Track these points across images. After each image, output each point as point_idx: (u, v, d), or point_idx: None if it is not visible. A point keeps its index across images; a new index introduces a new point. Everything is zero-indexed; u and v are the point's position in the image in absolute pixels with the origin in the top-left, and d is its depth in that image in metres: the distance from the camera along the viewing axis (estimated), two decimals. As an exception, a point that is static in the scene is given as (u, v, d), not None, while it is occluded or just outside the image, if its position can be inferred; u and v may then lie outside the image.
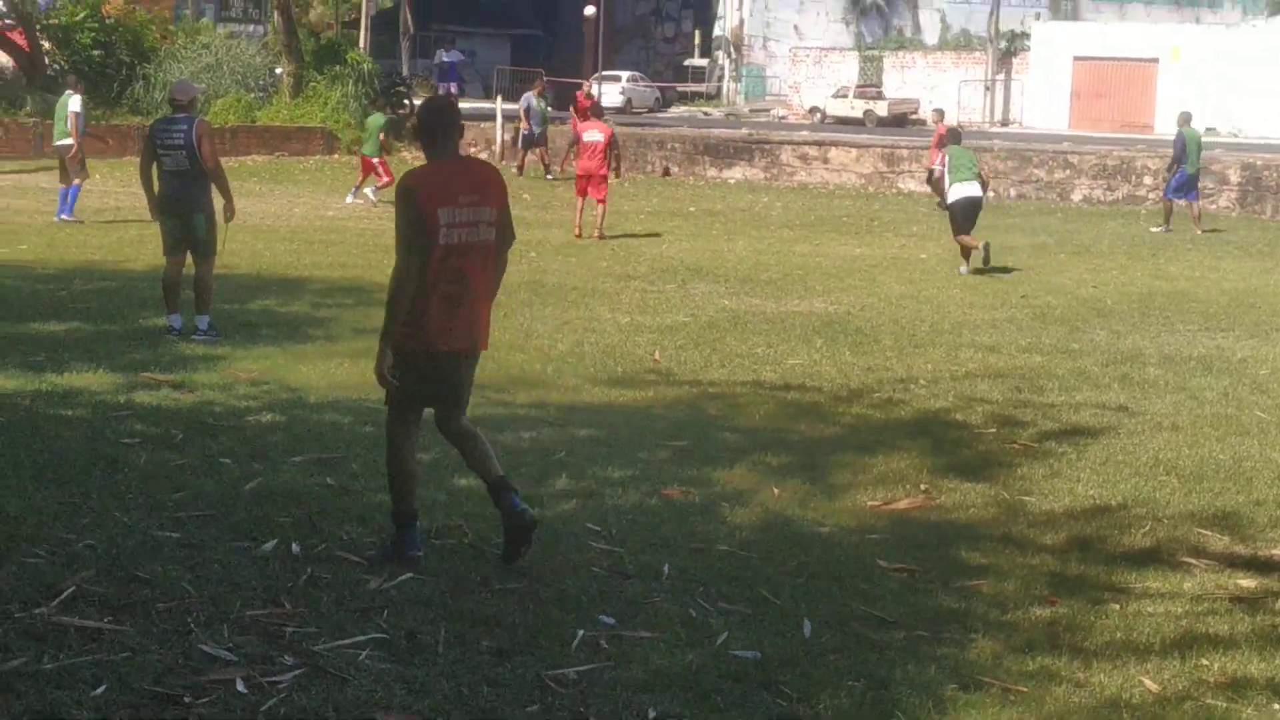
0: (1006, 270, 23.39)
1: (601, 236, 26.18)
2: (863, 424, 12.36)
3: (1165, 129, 61.80)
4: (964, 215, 23.13)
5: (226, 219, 15.19)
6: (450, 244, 7.93)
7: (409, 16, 59.64)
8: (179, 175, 14.95)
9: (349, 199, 32.38)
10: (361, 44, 52.73)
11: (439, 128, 8.14)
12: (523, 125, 42.04)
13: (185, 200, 14.99)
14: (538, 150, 41.68)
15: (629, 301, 18.89)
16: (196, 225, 15.10)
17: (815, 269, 23.25)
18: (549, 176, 40.24)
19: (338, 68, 48.70)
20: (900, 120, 66.06)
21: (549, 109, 43.19)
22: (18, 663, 6.48)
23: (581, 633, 7.19)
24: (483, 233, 8.12)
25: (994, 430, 12.25)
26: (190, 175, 14.91)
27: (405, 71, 56.94)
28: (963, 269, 23.00)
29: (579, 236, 26.25)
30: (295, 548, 8.26)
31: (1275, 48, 63.97)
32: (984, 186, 23.55)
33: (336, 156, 45.40)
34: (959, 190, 22.95)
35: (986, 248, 22.90)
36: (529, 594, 7.73)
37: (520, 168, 41.36)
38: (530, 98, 41.86)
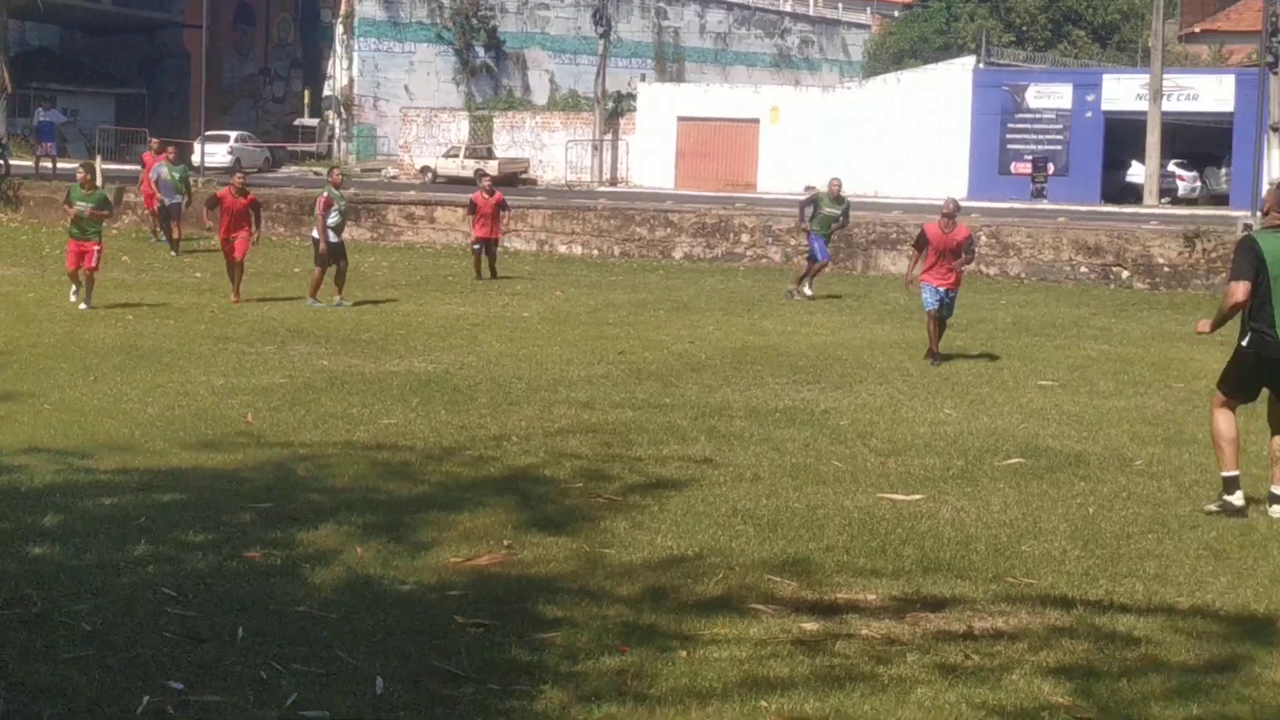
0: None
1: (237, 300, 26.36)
2: (452, 481, 12.45)
3: (767, 187, 63.74)
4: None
5: None
6: None
7: (6, 74, 57.95)
8: None
9: None
10: (-45, 102, 51.10)
11: None
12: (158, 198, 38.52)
13: None
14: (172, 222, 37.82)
15: (225, 364, 18.69)
16: None
17: (418, 328, 23.32)
18: (173, 253, 36.66)
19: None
20: (511, 179, 66.55)
21: (188, 174, 40.33)
22: None
23: (147, 698, 7.10)
24: None
25: (581, 485, 12.45)
26: None
27: (2, 131, 55.33)
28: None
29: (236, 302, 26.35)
30: None
31: (869, 109, 66.35)
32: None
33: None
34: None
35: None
36: (96, 662, 7.60)
37: (174, 243, 37.34)
38: (160, 168, 38.23)
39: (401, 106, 79.14)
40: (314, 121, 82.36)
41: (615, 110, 73.15)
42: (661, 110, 71.31)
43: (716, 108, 70.56)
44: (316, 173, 70.26)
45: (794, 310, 27.77)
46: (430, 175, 68.90)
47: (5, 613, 8.33)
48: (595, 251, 40.39)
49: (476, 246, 33.19)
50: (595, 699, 7.37)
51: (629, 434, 14.79)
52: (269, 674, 7.58)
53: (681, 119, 70.65)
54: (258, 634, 8.22)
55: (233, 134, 73.95)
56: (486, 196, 33.21)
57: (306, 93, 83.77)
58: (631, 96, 73.95)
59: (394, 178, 70.58)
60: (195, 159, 62.26)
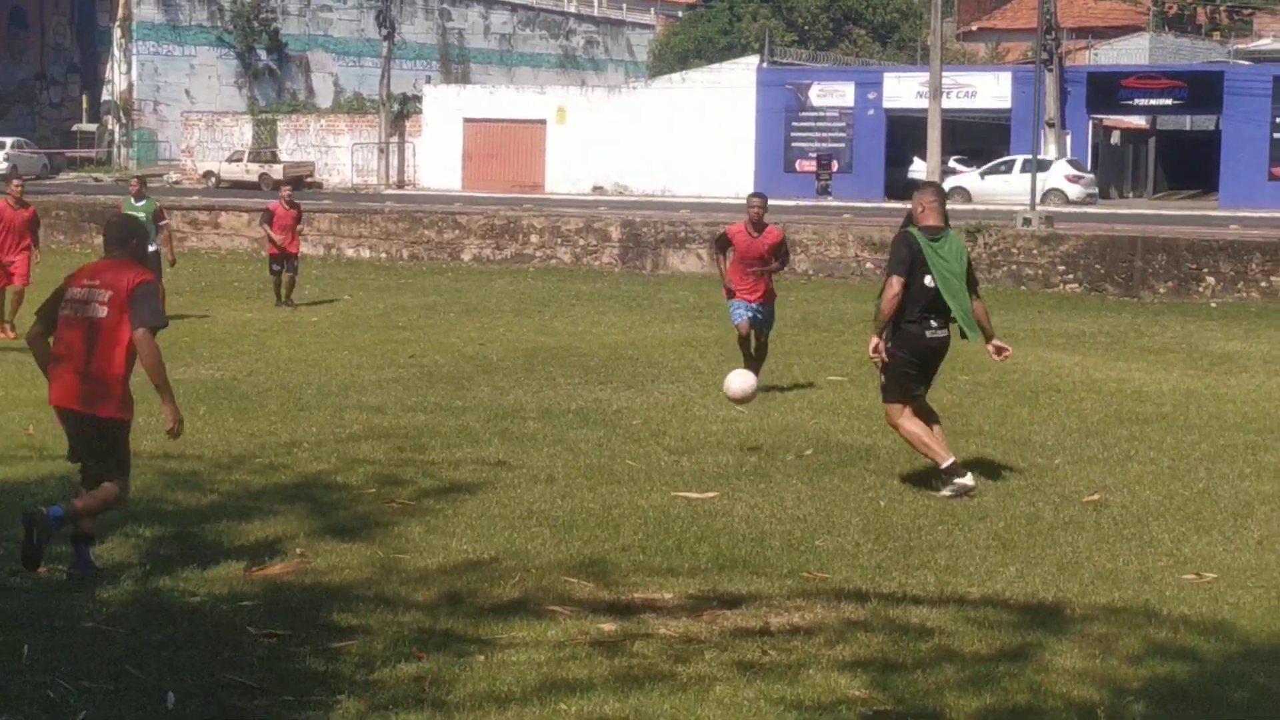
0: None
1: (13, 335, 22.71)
2: (242, 490, 12.26)
3: (554, 188, 63.81)
4: None
5: None
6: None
7: None
8: None
9: None
10: None
11: None
12: None
13: None
14: None
15: (3, 375, 18.25)
16: None
17: (204, 335, 22.98)
18: None
19: None
20: (297, 183, 65.81)
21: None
22: None
23: (-73, 723, 6.90)
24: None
25: (374, 490, 12.34)
26: None
27: None
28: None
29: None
30: None
31: (655, 109, 66.71)
32: None
33: None
34: None
35: None
36: (-127, 686, 7.37)
37: None
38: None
39: (183, 111, 78.17)
40: (93, 127, 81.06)
41: (401, 112, 72.88)
42: (447, 112, 71.18)
43: (503, 109, 70.61)
44: (96, 179, 69.22)
45: (584, 310, 27.79)
46: (214, 180, 68.06)
47: None
48: (383, 255, 40.13)
49: (276, 268, 28.78)
50: (392, 707, 7.29)
51: (422, 438, 14.68)
52: (56, 693, 7.39)
53: (468, 120, 70.60)
54: (44, 651, 8.01)
55: (8, 140, 72.61)
56: (286, 208, 28.86)
57: (85, 97, 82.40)
58: (417, 99, 73.74)
59: (176, 183, 69.68)
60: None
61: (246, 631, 8.48)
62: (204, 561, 9.95)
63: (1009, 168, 59.64)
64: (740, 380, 14.68)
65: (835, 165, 64.27)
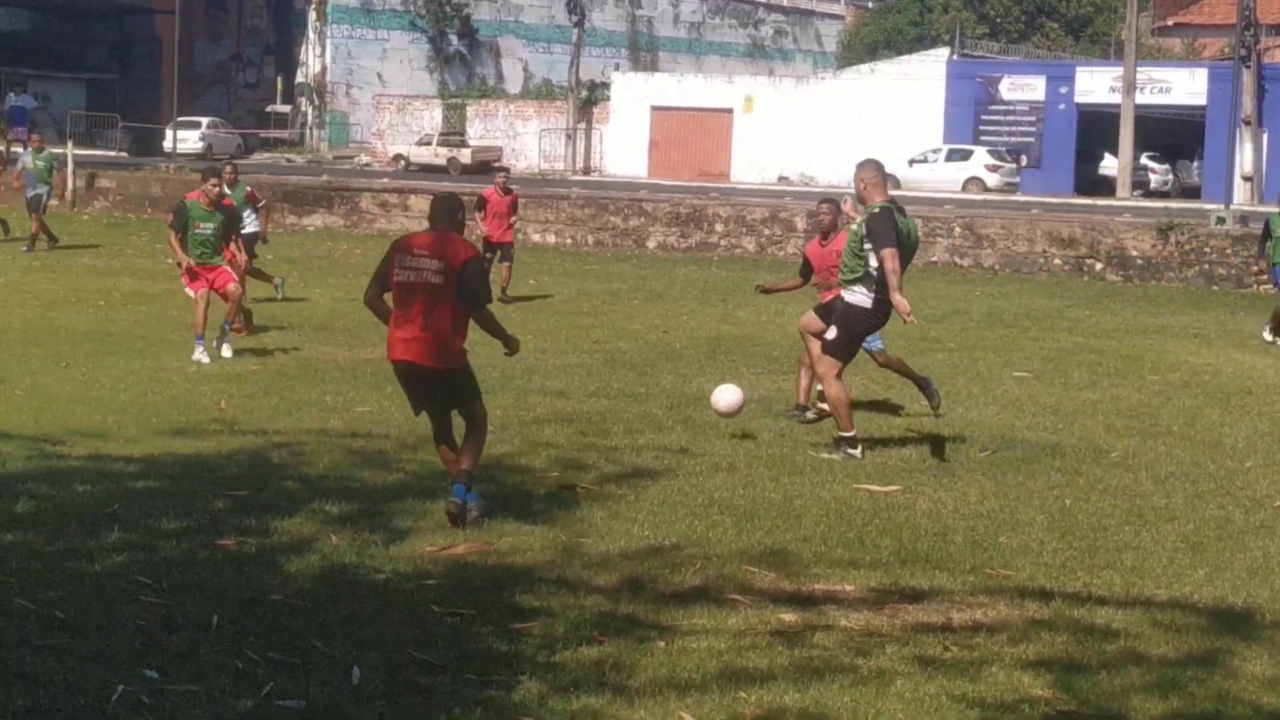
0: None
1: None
2: (427, 470, 12.35)
3: (740, 178, 63.74)
4: None
5: None
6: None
7: (-24, 59, 57.80)
8: None
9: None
10: (-75, 87, 50.89)
11: None
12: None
13: None
14: (35, 215, 33.60)
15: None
16: None
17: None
18: (26, 250, 32.80)
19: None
20: (484, 168, 66.43)
21: (53, 166, 34.88)
22: None
23: (122, 687, 7.03)
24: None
25: (557, 474, 12.40)
26: None
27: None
28: None
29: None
30: None
31: (842, 100, 66.40)
32: None
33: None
34: None
35: None
36: (70, 650, 7.53)
37: (34, 238, 33.36)
38: (26, 156, 34.29)
39: (374, 94, 79.01)
40: (286, 108, 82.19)
41: (589, 99, 73.16)
42: (635, 100, 71.34)
43: (690, 97, 70.59)
44: (288, 159, 70.23)
45: (768, 301, 27.64)
46: (403, 163, 68.75)
47: (-23, 601, 8.27)
48: (569, 240, 40.33)
49: (489, 255, 26.13)
50: (573, 689, 7.32)
51: (604, 423, 14.73)
52: (244, 663, 7.52)
53: (655, 108, 70.70)
54: (233, 623, 8.15)
55: (204, 120, 73.78)
56: (501, 194, 27.33)
57: (279, 79, 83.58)
58: (605, 86, 73.98)
59: (366, 165, 70.46)
60: (166, 145, 62.16)
61: (430, 610, 8.56)
62: (389, 539, 10.08)
63: (936, 157, 62.90)
64: (729, 395, 14.42)
65: (1024, 160, 63.57)
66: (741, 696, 7.33)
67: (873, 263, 13.28)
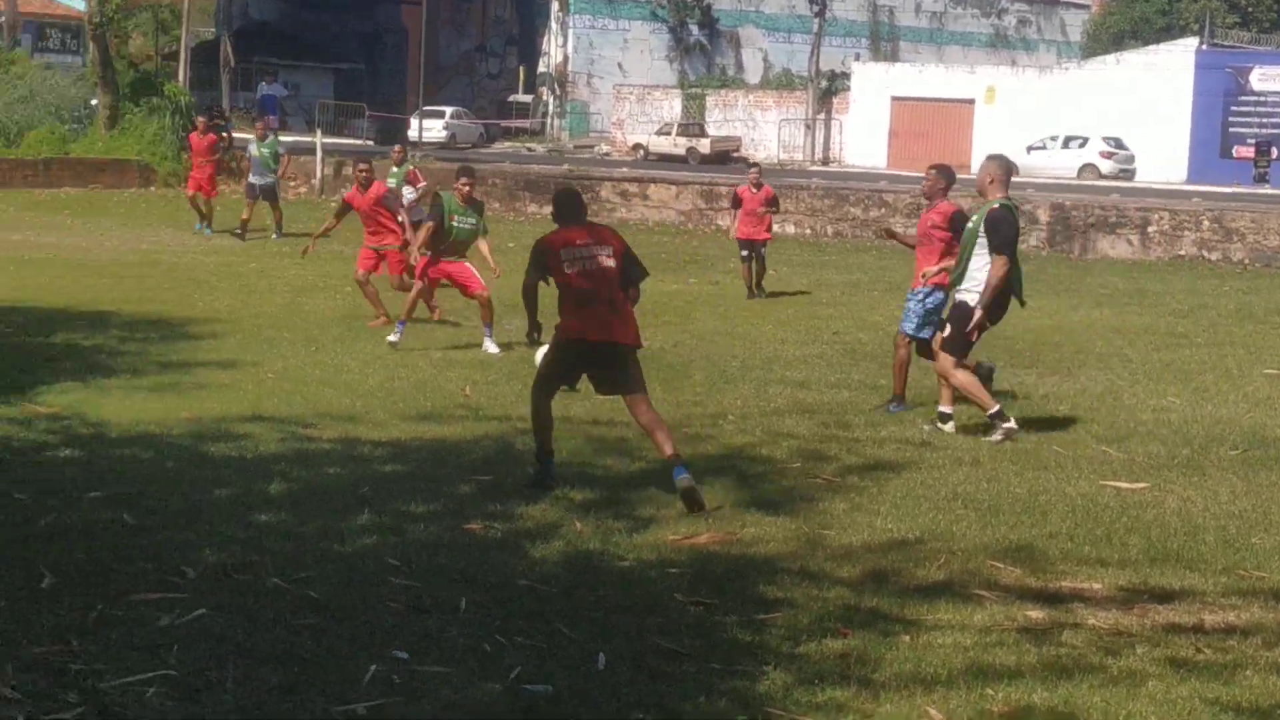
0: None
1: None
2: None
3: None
4: None
5: None
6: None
7: (230, 49, 59.16)
8: None
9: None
10: (181, 76, 52.21)
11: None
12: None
13: None
14: (259, 203, 33.49)
15: (442, 337, 18.85)
16: None
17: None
18: (275, 236, 33.01)
19: (155, 100, 48.17)
20: (722, 158, 66.52)
21: (278, 153, 33.72)
22: None
23: (374, 667, 7.16)
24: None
25: (799, 465, 12.37)
26: None
27: (226, 104, 56.46)
28: None
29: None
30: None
31: (1087, 90, 65.36)
32: None
33: (153, 189, 44.87)
34: None
35: None
36: (322, 629, 7.69)
37: (244, 227, 32.89)
38: (253, 145, 33.72)
39: (615, 84, 79.48)
40: (528, 98, 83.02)
41: (829, 89, 72.86)
42: (875, 90, 70.94)
43: (931, 88, 70.04)
44: (529, 149, 70.93)
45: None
46: (642, 153, 69.06)
47: (234, 578, 8.46)
48: (808, 230, 40.18)
49: (745, 254, 25.60)
50: (818, 682, 7.30)
51: (846, 415, 14.67)
52: (492, 646, 7.61)
53: (895, 99, 70.26)
54: (480, 606, 8.26)
55: (448, 109, 74.83)
56: (753, 190, 25.80)
57: (521, 69, 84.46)
58: (845, 76, 73.65)
59: (606, 155, 70.88)
60: (412, 134, 63.16)
61: (674, 598, 8.59)
62: (632, 527, 10.13)
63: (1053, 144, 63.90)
64: None
65: (1275, 152, 62.04)
66: (989, 693, 7.25)
67: (981, 261, 13.52)
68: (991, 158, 14.09)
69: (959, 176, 16.24)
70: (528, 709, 6.83)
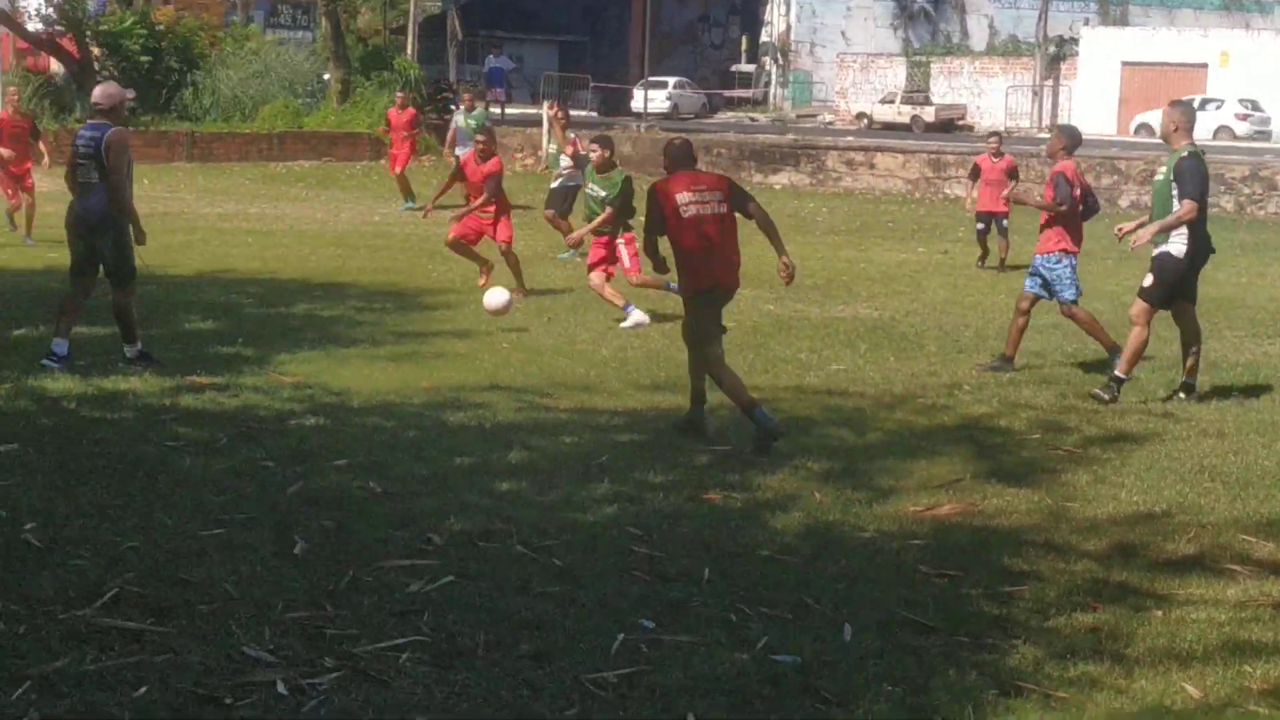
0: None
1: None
2: (906, 429, 12.32)
3: (1213, 134, 61.60)
4: None
5: (137, 242, 13.59)
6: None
7: (457, 23, 59.72)
8: (89, 188, 13.26)
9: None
10: (409, 50, 52.81)
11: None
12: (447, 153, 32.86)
13: (89, 217, 13.32)
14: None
15: (674, 306, 18.84)
16: (103, 248, 13.40)
17: (860, 274, 23.21)
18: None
19: (385, 73, 48.83)
20: (947, 126, 65.91)
21: (486, 125, 28.13)
22: (60, 663, 6.52)
23: (621, 636, 7.18)
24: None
25: (1038, 436, 12.20)
26: (99, 189, 13.20)
27: (453, 77, 57.08)
28: None
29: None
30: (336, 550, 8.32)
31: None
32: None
33: (383, 162, 45.48)
34: None
35: None
36: (569, 598, 7.73)
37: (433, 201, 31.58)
38: (459, 116, 31.44)
39: (838, 53, 79.06)
40: (751, 68, 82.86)
41: (1057, 55, 71.78)
42: (1104, 55, 69.72)
43: (1162, 52, 68.64)
44: (752, 118, 70.80)
45: (1249, 261, 26.72)
46: (865, 122, 68.62)
47: (480, 546, 8.54)
48: (1038, 198, 39.56)
49: (981, 227, 25.40)
50: (1069, 656, 7.18)
51: (1085, 386, 14.42)
52: (738, 616, 7.60)
53: (1125, 64, 68.97)
54: (723, 576, 8.25)
55: (671, 80, 74.92)
56: (994, 160, 25.23)
57: (744, 39, 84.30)
58: (1074, 41, 72.51)
59: (829, 124, 70.53)
60: (635, 105, 63.37)
61: (918, 570, 8.52)
62: (872, 497, 10.07)
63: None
64: (495, 298, 16.34)
65: None
66: (1246, 670, 7.09)
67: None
68: (1176, 104, 13.96)
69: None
70: (776, 679, 6.81)
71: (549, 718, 6.32)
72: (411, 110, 35.33)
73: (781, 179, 42.71)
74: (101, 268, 13.63)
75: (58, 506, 8.85)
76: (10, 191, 23.75)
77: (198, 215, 29.20)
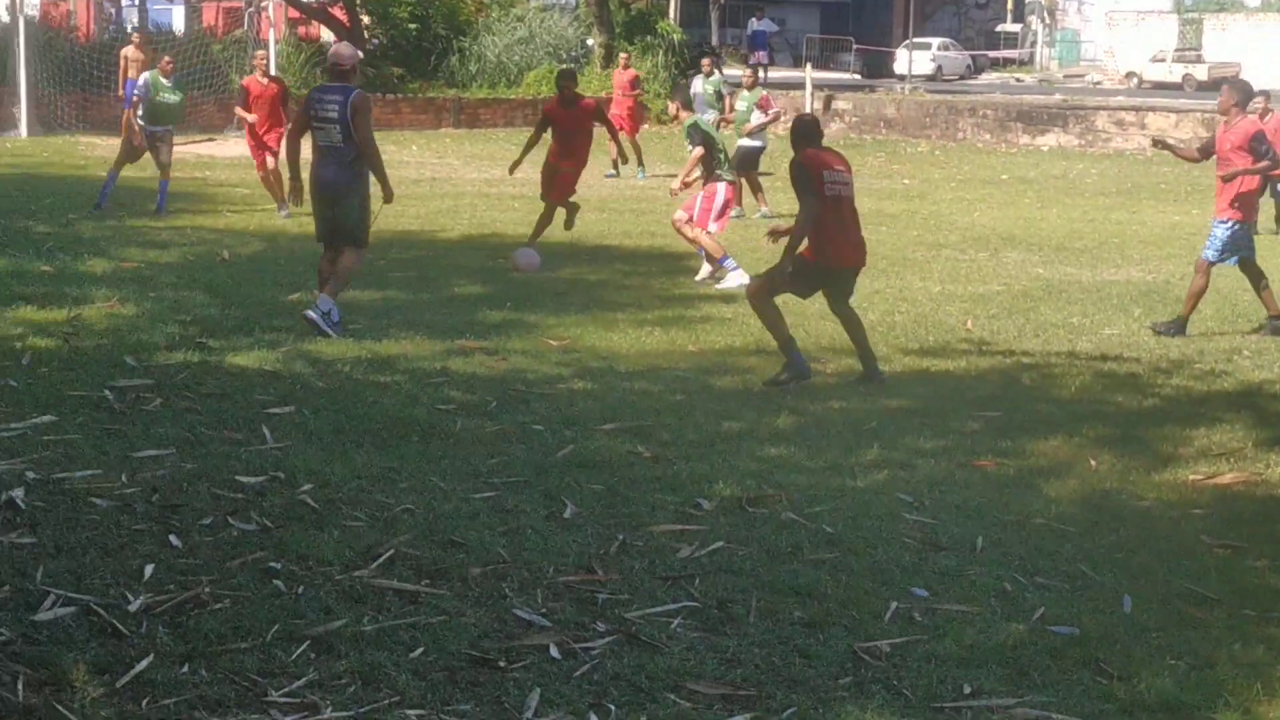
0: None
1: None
2: (1183, 395, 12.02)
3: None
4: None
5: (385, 202, 13.62)
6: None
7: (723, -15, 59.71)
8: (331, 153, 13.24)
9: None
10: (671, 14, 52.87)
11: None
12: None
13: (336, 182, 13.32)
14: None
15: (940, 270, 18.64)
16: (346, 211, 13.41)
17: (1132, 237, 22.70)
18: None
19: (648, 38, 48.94)
20: (1219, 85, 64.26)
21: (721, 91, 28.35)
22: (339, 624, 6.60)
23: (894, 604, 7.09)
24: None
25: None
26: (343, 153, 13.19)
27: (715, 41, 57.06)
28: None
29: None
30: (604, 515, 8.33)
31: None
32: None
33: (646, 126, 45.62)
34: None
35: None
36: (840, 564, 7.65)
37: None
38: (697, 81, 29.26)
39: (1106, 10, 77.49)
40: (1016, 27, 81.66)
41: (1337, 10, 69.51)
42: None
43: None
44: (1018, 79, 69.75)
45: None
46: (1136, 81, 67.18)
47: (749, 511, 8.49)
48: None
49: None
50: (1366, 634, 6.93)
51: (1370, 351, 13.95)
52: (1013, 586, 7.46)
53: None
54: (997, 544, 8.12)
55: (934, 41, 74.13)
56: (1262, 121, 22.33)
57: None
58: (1355, -5, 70.16)
59: (1097, 84, 69.20)
60: (898, 67, 62.80)
61: (1200, 540, 8.29)
62: (1150, 465, 9.83)
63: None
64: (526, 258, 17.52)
65: None
66: None
67: None
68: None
69: None
70: (1054, 651, 6.65)
71: (823, 685, 6.24)
72: (633, 72, 35.37)
73: (1049, 140, 41.92)
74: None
75: (334, 469, 8.97)
76: (260, 159, 23.90)
77: (464, 180, 29.50)
